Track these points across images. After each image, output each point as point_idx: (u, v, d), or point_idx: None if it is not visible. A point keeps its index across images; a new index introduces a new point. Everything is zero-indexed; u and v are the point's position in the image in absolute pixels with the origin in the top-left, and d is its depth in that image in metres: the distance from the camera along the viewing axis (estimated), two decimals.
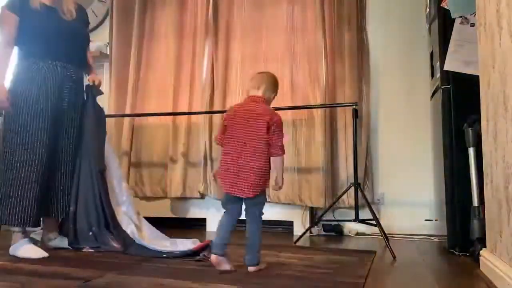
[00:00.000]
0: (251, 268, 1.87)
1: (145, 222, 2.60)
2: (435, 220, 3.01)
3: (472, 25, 2.30)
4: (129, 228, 2.44)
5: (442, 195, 2.48)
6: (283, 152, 1.90)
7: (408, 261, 2.19)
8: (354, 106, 2.82)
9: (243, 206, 1.91)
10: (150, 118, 3.65)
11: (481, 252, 1.97)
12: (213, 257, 1.85)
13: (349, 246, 2.70)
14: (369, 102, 3.27)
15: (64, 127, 2.45)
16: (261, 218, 1.93)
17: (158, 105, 3.65)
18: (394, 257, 2.23)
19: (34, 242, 2.38)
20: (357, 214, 2.71)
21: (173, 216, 3.57)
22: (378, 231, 2.61)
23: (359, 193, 2.73)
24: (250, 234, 1.90)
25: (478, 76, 1.98)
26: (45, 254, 2.22)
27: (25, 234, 2.31)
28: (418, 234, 2.96)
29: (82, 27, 2.60)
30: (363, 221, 2.74)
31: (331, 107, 3.20)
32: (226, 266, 1.86)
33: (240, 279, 1.73)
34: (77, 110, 2.51)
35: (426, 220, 3.04)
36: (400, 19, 3.30)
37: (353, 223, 2.86)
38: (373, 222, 2.62)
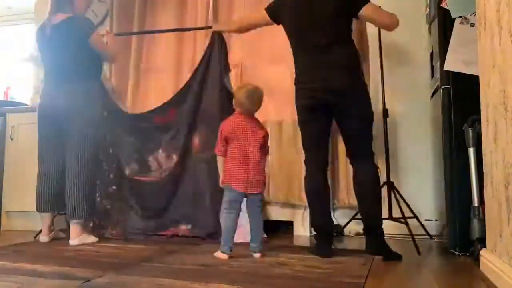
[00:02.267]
0: (258, 255, 2.19)
1: None
2: (435, 220, 3.01)
3: (472, 25, 2.30)
4: None
5: (442, 195, 2.48)
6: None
7: (408, 261, 2.19)
8: None
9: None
10: None
11: (481, 252, 1.97)
12: (226, 256, 2.14)
13: (349, 246, 2.70)
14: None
15: None
16: None
17: (158, 105, 3.63)
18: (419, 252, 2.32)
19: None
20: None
21: None
22: None
23: None
24: (257, 226, 2.23)
25: (478, 76, 1.98)
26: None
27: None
28: (418, 234, 2.96)
29: None
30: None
31: None
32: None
33: (240, 279, 1.73)
34: None
35: (426, 220, 3.04)
36: (400, 19, 3.29)
37: (353, 223, 2.85)
38: None
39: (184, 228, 2.90)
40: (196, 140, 3.00)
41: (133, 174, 3.06)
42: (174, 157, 3.00)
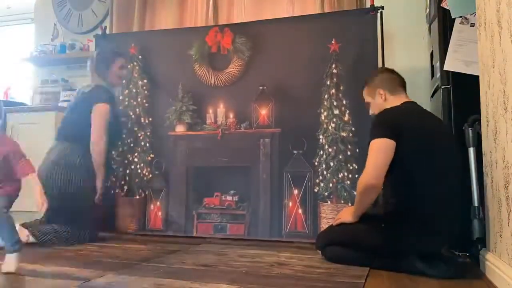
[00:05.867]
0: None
1: None
2: None
3: (472, 25, 2.30)
4: None
5: None
6: None
7: None
8: None
9: None
10: None
11: (481, 252, 1.97)
12: None
13: None
14: None
15: None
16: None
17: None
18: None
19: None
20: None
21: None
22: None
23: None
24: None
25: (478, 76, 1.98)
26: None
27: None
28: None
29: None
30: None
31: None
32: None
33: (240, 279, 1.73)
34: None
35: None
36: (400, 19, 3.30)
37: None
38: None
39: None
40: None
41: None
42: None
